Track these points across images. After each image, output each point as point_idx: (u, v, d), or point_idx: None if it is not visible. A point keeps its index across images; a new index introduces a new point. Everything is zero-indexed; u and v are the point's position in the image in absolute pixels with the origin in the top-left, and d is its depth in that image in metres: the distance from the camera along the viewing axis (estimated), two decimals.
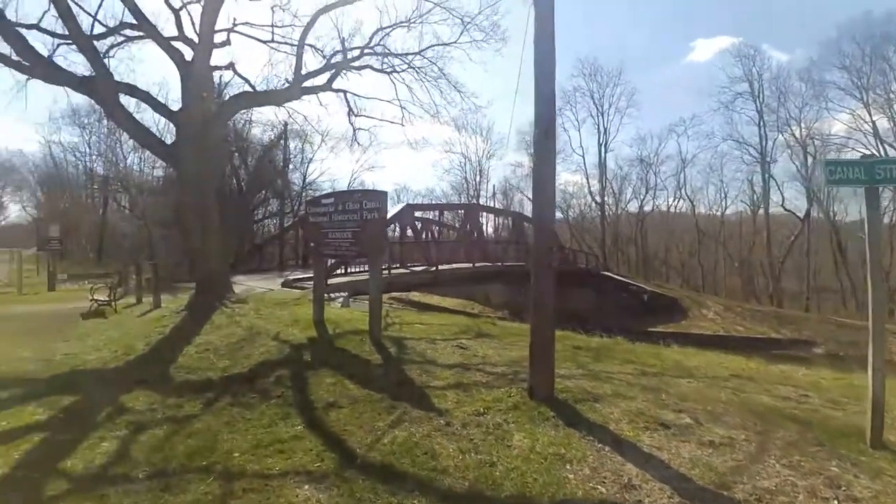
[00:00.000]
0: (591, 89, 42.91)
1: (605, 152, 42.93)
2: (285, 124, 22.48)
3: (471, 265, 19.22)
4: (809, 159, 36.23)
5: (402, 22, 11.99)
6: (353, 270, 13.93)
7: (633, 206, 45.17)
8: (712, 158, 41.42)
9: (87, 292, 12.99)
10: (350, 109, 12.75)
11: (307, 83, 10.47)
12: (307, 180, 27.48)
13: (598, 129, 42.89)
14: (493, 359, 6.11)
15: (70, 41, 8.81)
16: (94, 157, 32.34)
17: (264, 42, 10.69)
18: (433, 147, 56.59)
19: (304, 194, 24.76)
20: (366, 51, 11.53)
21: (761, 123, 36.72)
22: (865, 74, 31.72)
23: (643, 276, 38.54)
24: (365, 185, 36.72)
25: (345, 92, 12.26)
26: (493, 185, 48.50)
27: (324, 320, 7.49)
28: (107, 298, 10.62)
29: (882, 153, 31.90)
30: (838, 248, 36.18)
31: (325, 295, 12.24)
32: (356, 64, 11.66)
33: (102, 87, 7.80)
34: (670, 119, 70.48)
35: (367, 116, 13.25)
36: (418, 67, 12.46)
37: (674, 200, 44.88)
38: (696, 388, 5.15)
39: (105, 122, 29.88)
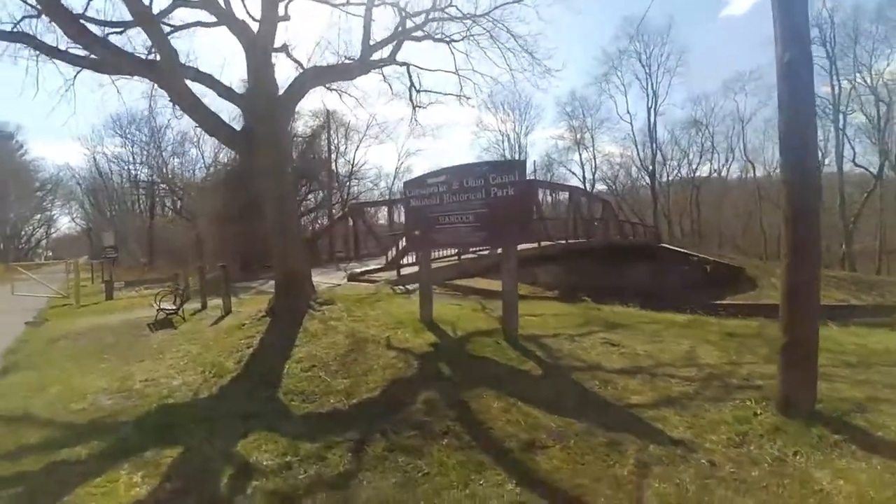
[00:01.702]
0: (637, 50, 39.87)
1: (655, 116, 40.17)
2: (328, 112, 21.45)
3: (536, 245, 17.72)
4: (883, 108, 33.07)
5: None
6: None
7: (686, 173, 42.61)
8: (771, 115, 38.13)
9: (146, 299, 12.36)
10: (412, 84, 11.49)
11: (373, 56, 9.26)
12: (353, 168, 26.72)
13: (647, 92, 40.01)
14: (663, 357, 5.13)
15: (120, 29, 7.81)
16: (137, 164, 32.69)
17: (334, 5, 9.46)
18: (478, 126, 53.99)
19: (349, 184, 23.99)
20: (431, 14, 10.18)
21: (833, 71, 33.22)
22: None
23: (700, 247, 36.21)
24: (412, 170, 35.69)
25: (408, 65, 10.97)
26: (534, 161, 46.46)
27: (433, 320, 6.39)
28: (174, 306, 9.81)
29: None
30: None
31: (403, 287, 11.25)
32: (418, 34, 10.35)
33: (169, 69, 6.74)
34: (715, 81, 65.73)
35: (431, 91, 11.92)
36: (480, 34, 11.09)
37: (726, 163, 42.07)
38: None
39: (146, 127, 29.90)
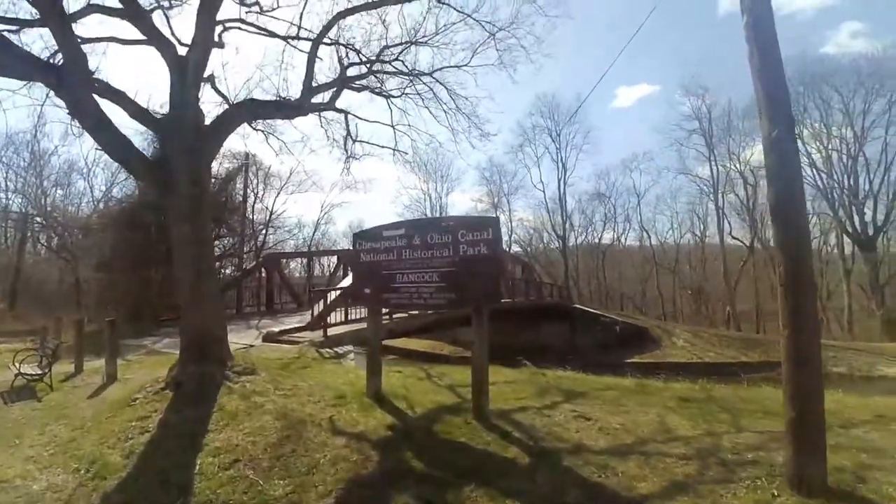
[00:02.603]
0: (548, 126, 43.23)
1: (565, 187, 43.01)
2: (247, 154, 20.02)
3: None
4: (751, 190, 38.32)
5: (419, 39, 10.44)
6: (353, 317, 11.74)
7: (591, 239, 46.03)
8: (662, 191, 42.88)
9: (1, 357, 9.93)
10: (349, 133, 10.92)
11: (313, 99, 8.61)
12: (270, 216, 24.86)
13: (558, 164, 42.89)
14: (640, 431, 4.80)
15: (15, 27, 6.41)
16: (10, 192, 28.19)
17: (282, 38, 8.71)
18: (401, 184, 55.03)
19: (265, 232, 22.25)
20: (375, 66, 9.87)
21: (711, 158, 38.26)
22: (798, 112, 33.81)
23: (607, 307, 38.43)
24: (334, 221, 34.49)
25: (346, 113, 10.45)
26: None
27: (381, 393, 5.51)
28: (38, 370, 7.84)
29: (818, 181, 34.05)
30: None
31: (332, 349, 10.06)
32: (362, 82, 9.97)
33: (75, 75, 5.45)
34: (616, 158, 74.04)
35: (366, 142, 11.40)
36: (423, 91, 10.98)
37: (624, 232, 46.35)
38: None
39: (26, 151, 26.14)
